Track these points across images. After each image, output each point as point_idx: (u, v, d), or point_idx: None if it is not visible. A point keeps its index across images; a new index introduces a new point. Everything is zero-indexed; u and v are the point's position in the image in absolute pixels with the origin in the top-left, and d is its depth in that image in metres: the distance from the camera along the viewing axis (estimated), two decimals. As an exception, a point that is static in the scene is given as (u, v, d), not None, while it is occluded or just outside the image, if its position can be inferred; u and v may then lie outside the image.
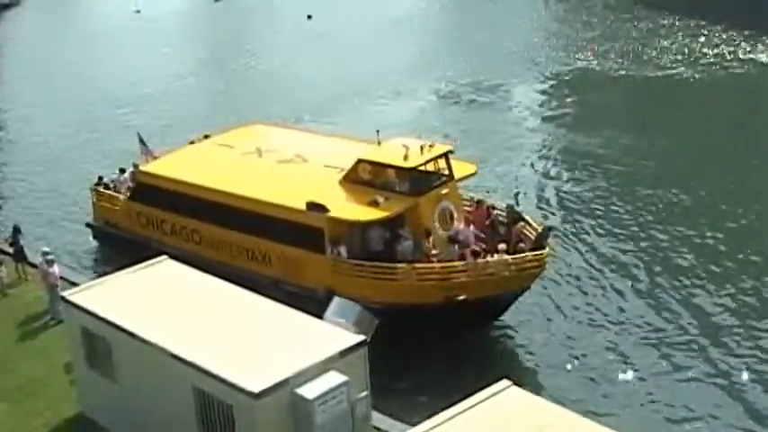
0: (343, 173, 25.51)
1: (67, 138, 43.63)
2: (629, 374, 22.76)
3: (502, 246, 23.70)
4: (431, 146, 25.08)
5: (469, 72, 51.17)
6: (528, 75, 50.86)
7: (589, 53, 54.34)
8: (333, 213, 24.04)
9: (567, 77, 50.62)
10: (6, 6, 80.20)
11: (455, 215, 25.07)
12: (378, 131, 26.04)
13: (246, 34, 67.70)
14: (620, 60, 52.41)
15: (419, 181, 24.77)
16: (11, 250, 26.46)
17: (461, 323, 23.44)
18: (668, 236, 29.81)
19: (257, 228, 25.43)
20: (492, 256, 23.52)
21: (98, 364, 18.36)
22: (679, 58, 52.45)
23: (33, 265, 25.70)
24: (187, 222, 27.18)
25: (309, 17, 68.99)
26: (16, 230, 26.84)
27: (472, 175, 26.38)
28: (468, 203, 26.38)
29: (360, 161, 25.24)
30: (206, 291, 18.83)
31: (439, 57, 55.69)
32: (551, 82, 50.02)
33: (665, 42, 55.96)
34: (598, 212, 32.08)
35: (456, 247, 24.26)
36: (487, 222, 25.38)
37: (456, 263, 23.58)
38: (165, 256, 20.57)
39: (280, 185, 25.91)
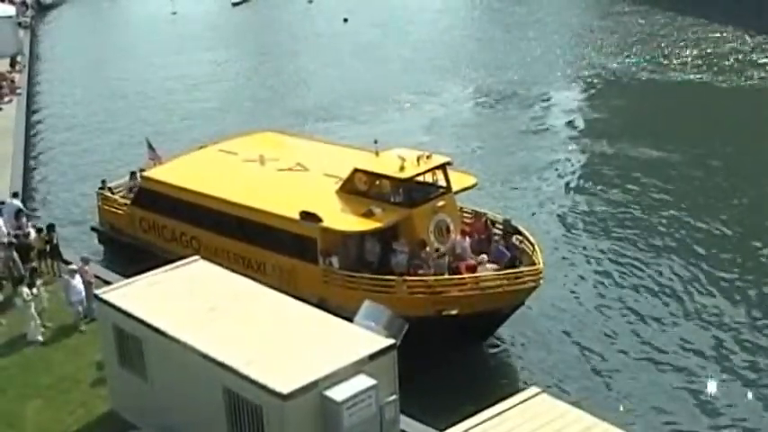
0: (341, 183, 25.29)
1: (91, 137, 44.28)
2: (655, 383, 22.30)
3: (483, 256, 23.31)
4: (428, 157, 24.70)
5: (496, 76, 50.91)
6: (554, 81, 50.36)
7: (619, 58, 53.61)
8: (326, 223, 23.78)
9: (593, 82, 50.02)
10: (49, 7, 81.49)
11: (451, 227, 24.62)
12: (376, 141, 25.73)
13: (281, 38, 67.86)
14: (651, 67, 51.64)
15: (414, 192, 24.43)
16: (47, 248, 26.53)
17: (454, 338, 22.93)
18: (689, 248, 29.31)
19: (253, 236, 25.29)
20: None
21: (130, 362, 18.42)
22: (713, 62, 51.58)
23: (67, 263, 25.78)
24: (186, 229, 27.12)
25: (346, 20, 68.95)
26: (51, 228, 27.00)
27: (471, 187, 25.88)
28: (469, 215, 25.97)
29: (356, 171, 24.96)
30: (238, 292, 18.81)
31: (467, 60, 55.51)
32: (578, 87, 49.51)
33: (695, 49, 55.09)
34: (618, 224, 31.49)
35: (447, 260, 23.73)
36: (484, 236, 24.92)
37: (447, 276, 23.16)
38: (197, 257, 20.52)
39: (277, 194, 25.74)
